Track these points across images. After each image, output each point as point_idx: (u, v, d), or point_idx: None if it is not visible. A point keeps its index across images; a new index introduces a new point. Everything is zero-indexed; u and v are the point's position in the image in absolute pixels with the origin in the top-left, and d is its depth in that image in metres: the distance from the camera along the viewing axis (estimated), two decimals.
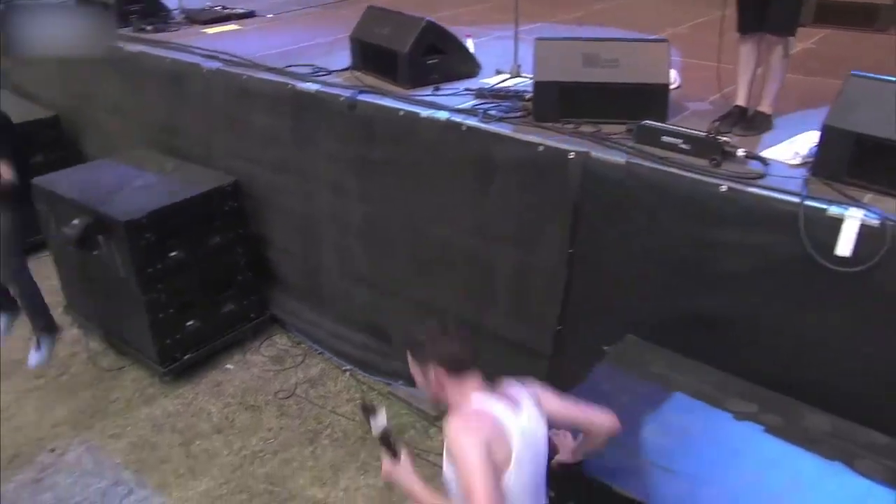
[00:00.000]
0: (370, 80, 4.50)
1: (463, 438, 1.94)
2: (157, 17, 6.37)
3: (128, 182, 4.90)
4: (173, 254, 4.57)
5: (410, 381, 4.56)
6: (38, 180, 5.03)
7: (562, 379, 3.45)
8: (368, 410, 2.16)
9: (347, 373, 4.84)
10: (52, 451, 4.31)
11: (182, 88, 5.34)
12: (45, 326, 4.37)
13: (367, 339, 4.85)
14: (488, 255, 3.92)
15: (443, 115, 3.89)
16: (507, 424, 2.00)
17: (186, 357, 4.82)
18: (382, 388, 4.68)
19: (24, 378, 4.64)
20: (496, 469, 1.92)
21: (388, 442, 2.17)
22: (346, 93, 4.29)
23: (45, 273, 5.73)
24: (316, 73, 4.66)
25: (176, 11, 6.66)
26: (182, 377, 4.85)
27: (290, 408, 4.57)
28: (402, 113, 4.03)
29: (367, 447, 4.22)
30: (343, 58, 4.79)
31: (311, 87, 4.47)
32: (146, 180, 4.93)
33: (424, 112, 3.95)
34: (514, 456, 1.96)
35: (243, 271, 5.03)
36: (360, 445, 4.24)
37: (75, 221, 4.55)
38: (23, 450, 4.29)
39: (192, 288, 4.74)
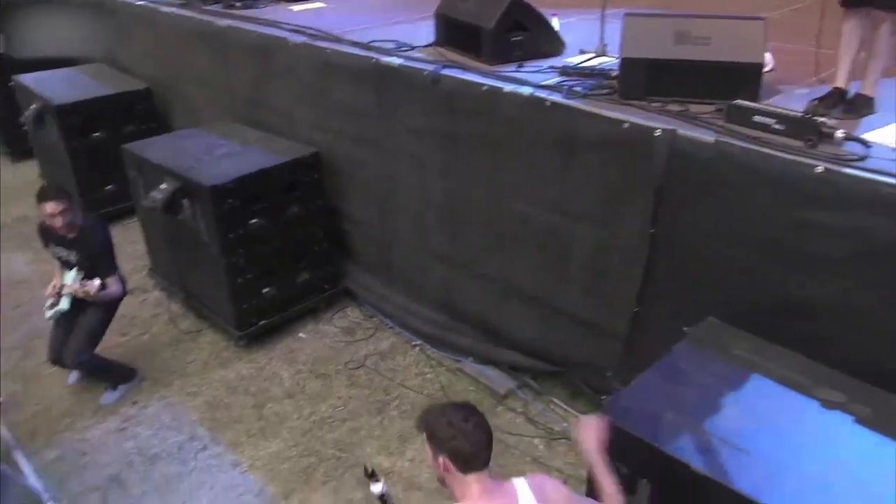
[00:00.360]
0: (453, 55, 4.50)
1: None
2: None
3: (213, 150, 5.05)
4: (254, 221, 4.68)
5: (479, 358, 4.61)
6: (129, 146, 5.26)
7: (636, 361, 3.40)
8: (370, 476, 2.34)
9: (417, 348, 4.88)
10: (135, 403, 4.50)
11: (268, 62, 5.45)
12: (118, 382, 4.55)
13: (437, 315, 4.87)
14: (566, 233, 3.88)
15: (526, 90, 3.86)
16: None
17: (262, 323, 4.95)
18: (451, 365, 4.69)
19: (109, 334, 4.83)
20: None
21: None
22: (430, 67, 4.30)
23: (131, 238, 6.00)
24: (399, 48, 4.69)
25: None
26: (256, 343, 4.98)
27: (359, 378, 4.63)
28: (485, 88, 4.01)
29: None
30: (426, 34, 4.80)
31: (395, 61, 4.49)
32: (230, 149, 5.06)
33: (508, 87, 3.93)
34: None
35: (320, 242, 5.12)
36: None
37: (163, 185, 4.72)
38: None
39: (271, 255, 4.85)
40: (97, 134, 6.42)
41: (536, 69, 4.17)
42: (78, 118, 6.30)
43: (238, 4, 6.30)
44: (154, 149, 5.16)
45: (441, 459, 2.14)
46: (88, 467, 4.04)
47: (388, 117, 4.64)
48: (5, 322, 5.38)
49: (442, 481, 2.22)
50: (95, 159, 6.38)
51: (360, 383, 4.58)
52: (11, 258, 6.32)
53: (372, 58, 4.60)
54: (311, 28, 5.29)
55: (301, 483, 3.87)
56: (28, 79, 6.86)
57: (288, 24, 5.50)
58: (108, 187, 6.48)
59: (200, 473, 3.98)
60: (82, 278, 4.19)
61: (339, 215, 5.27)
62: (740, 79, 3.43)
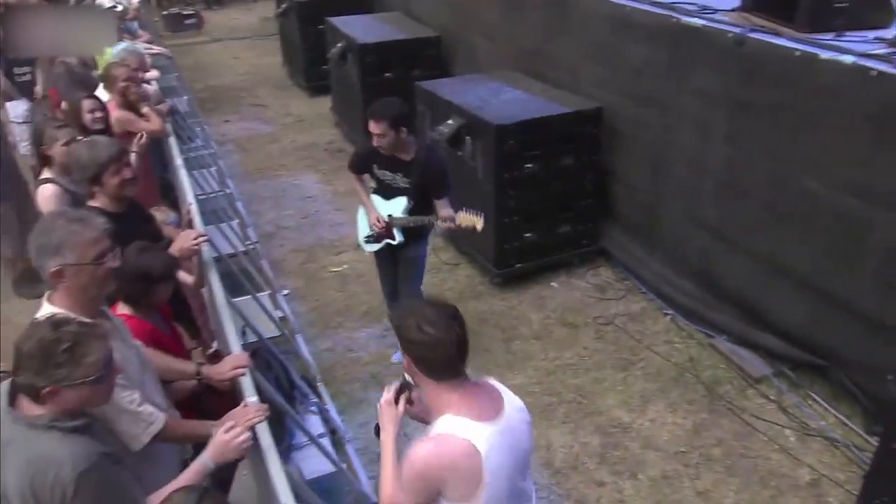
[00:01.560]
0: (760, 21, 4.26)
1: (416, 475, 1.95)
2: None
3: (498, 95, 5.29)
4: (529, 166, 4.84)
5: (734, 338, 4.43)
6: (422, 84, 5.68)
7: None
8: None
9: (668, 317, 4.79)
10: None
11: (559, 15, 5.55)
12: None
13: (694, 288, 4.73)
14: (863, 218, 3.57)
15: (848, 58, 3.57)
16: (479, 451, 1.93)
17: (518, 266, 5.14)
18: (702, 339, 4.56)
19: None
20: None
21: (402, 390, 2.20)
22: (735, 29, 4.13)
23: None
24: (702, 10, 4.55)
25: None
26: (509, 284, 5.18)
27: (607, 334, 4.66)
28: (797, 53, 3.78)
29: (678, 388, 4.18)
30: (730, 0, 4.61)
31: (697, 21, 4.37)
32: (515, 95, 5.27)
33: (825, 54, 3.67)
34: (483, 480, 1.94)
35: (586, 197, 5.18)
36: (673, 385, 4.20)
37: (450, 121, 5.04)
38: (373, 308, 4.95)
39: (538, 202, 5.00)
40: (388, 74, 6.98)
41: (859, 39, 3.84)
42: (375, 57, 6.90)
43: None
44: (443, 88, 5.52)
45: (406, 360, 2.03)
46: (353, 361, 4.50)
47: (677, 79, 4.54)
48: (295, 229, 6.12)
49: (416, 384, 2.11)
50: (384, 96, 6.93)
51: (607, 339, 4.61)
52: (302, 176, 7.13)
53: (673, 17, 4.52)
54: None
55: (540, 419, 3.99)
56: (338, 20, 7.63)
57: None
58: None
59: None
60: (410, 209, 3.91)
61: (609, 174, 5.27)
62: None
